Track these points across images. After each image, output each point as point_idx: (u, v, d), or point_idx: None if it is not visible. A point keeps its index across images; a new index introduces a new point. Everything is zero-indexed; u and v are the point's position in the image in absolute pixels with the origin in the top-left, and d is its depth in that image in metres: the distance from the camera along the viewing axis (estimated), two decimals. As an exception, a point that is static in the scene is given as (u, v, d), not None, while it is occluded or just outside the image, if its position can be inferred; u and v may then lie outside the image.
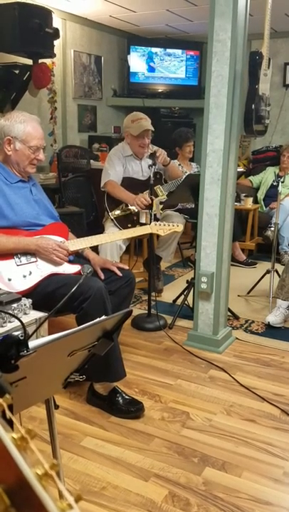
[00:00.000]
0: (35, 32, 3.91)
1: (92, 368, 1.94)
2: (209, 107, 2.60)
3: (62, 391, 2.16)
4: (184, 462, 1.87)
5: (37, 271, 2.16)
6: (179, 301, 3.33)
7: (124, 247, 3.31)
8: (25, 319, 1.57)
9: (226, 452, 1.92)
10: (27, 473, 0.41)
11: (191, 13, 4.84)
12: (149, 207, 3.12)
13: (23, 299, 1.67)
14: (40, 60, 4.24)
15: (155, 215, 3.18)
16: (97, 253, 2.89)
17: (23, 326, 0.78)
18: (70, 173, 4.81)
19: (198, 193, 2.74)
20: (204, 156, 2.67)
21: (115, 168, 3.39)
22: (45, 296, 2.07)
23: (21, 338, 0.69)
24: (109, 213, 3.30)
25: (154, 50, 5.88)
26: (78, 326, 2.11)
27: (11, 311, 1.53)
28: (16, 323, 1.45)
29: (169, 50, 5.92)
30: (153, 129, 3.38)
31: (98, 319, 0.95)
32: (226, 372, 2.55)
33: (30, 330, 1.30)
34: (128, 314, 1.08)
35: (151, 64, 5.90)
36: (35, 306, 2.12)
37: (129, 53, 5.82)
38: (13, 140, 2.20)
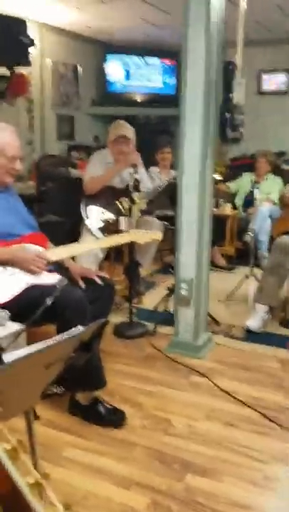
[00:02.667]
0: (11, 41, 3.92)
1: (73, 377, 1.94)
2: (185, 115, 2.63)
3: (41, 402, 2.14)
4: (165, 469, 1.87)
5: (15, 282, 2.14)
6: (160, 308, 3.35)
7: (101, 256, 3.32)
8: (2, 331, 1.57)
9: (207, 458, 1.94)
10: (19, 483, 0.42)
11: (166, 22, 4.90)
12: (129, 215, 3.13)
13: (-1, 310, 1.66)
14: (16, 70, 4.25)
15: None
16: (74, 261, 2.89)
17: (-5, 339, 0.77)
18: (50, 182, 4.81)
19: (176, 200, 2.77)
20: (181, 163, 2.70)
21: (96, 169, 3.44)
22: (24, 307, 2.04)
23: (-6, 352, 0.69)
24: (86, 221, 3.31)
25: (130, 58, 5.92)
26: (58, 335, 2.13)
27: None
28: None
29: (145, 59, 5.97)
30: (130, 137, 3.41)
31: (73, 330, 0.96)
32: (206, 377, 2.56)
33: (7, 342, 1.30)
34: (104, 325, 1.08)
35: (128, 70, 5.95)
36: (14, 317, 2.12)
37: (105, 62, 5.85)
38: None
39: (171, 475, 1.84)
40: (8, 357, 0.79)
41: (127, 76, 5.98)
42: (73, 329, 0.96)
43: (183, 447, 2.00)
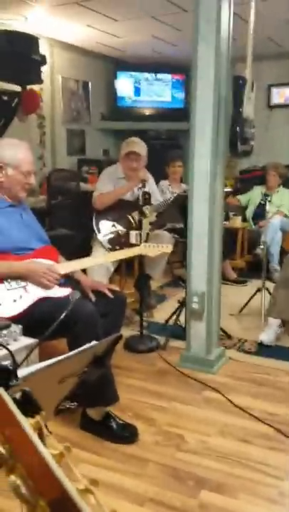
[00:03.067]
0: (23, 59, 3.98)
1: (85, 392, 1.93)
2: (194, 130, 2.65)
3: (54, 418, 2.13)
4: (179, 485, 1.84)
5: (27, 295, 2.16)
6: (172, 322, 3.33)
7: (112, 269, 3.33)
8: (15, 346, 1.57)
9: (221, 474, 1.90)
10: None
11: (176, 38, 4.96)
12: (139, 228, 3.14)
13: (12, 325, 1.67)
14: (28, 87, 4.32)
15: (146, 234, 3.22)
16: (86, 274, 2.90)
17: (12, 355, 0.78)
18: (60, 196, 4.85)
19: (186, 212, 2.77)
20: (191, 177, 2.71)
21: (106, 185, 3.46)
22: (36, 320, 2.06)
23: (10, 367, 0.69)
24: (98, 235, 3.33)
25: (141, 74, 5.99)
26: (69, 350, 2.12)
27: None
28: (5, 350, 1.44)
29: (155, 75, 6.04)
30: (141, 153, 3.43)
31: (88, 345, 0.95)
32: (219, 393, 2.53)
33: (20, 356, 1.30)
34: (118, 339, 1.08)
35: (138, 86, 6.01)
36: (26, 331, 2.12)
37: (116, 78, 5.93)
38: (4, 166, 2.23)
39: (185, 491, 1.81)
40: (22, 372, 0.79)
41: (137, 91, 6.05)
42: (87, 344, 0.96)
43: (196, 463, 1.97)
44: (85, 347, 0.94)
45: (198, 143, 2.65)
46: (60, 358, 0.85)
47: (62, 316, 1.04)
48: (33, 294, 2.18)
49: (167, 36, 4.90)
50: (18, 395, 0.57)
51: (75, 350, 0.92)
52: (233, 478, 1.88)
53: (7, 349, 0.80)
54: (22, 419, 0.51)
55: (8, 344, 1.58)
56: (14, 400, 0.52)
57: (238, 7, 2.79)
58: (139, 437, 2.13)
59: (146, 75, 6.01)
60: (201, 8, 2.54)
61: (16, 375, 0.68)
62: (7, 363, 0.75)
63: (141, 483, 1.85)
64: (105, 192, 3.42)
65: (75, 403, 1.11)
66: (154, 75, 6.03)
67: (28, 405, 0.55)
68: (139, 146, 3.45)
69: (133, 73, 5.98)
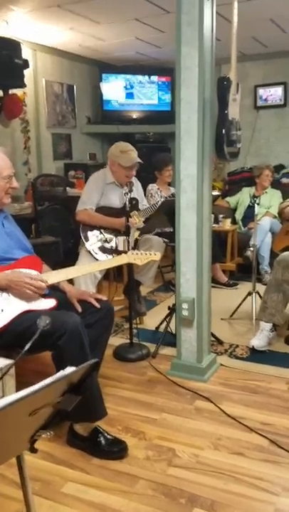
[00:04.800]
0: (4, 63, 3.90)
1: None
2: (180, 134, 2.59)
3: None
4: (171, 504, 1.77)
5: (9, 308, 2.07)
6: (162, 328, 3.26)
7: (99, 276, 3.25)
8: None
9: (215, 490, 1.83)
10: None
11: (160, 40, 4.90)
12: (127, 233, 3.07)
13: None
14: (10, 91, 4.23)
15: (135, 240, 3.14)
16: (72, 283, 2.81)
17: None
18: (47, 201, 4.76)
19: (175, 217, 2.71)
20: (178, 181, 2.65)
21: (92, 196, 3.35)
22: (19, 334, 1.98)
23: None
24: (86, 243, 3.25)
25: (126, 76, 5.93)
26: (54, 363, 2.04)
27: None
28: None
29: (141, 77, 5.98)
30: (142, 162, 3.39)
31: (61, 373, 0.88)
32: (212, 402, 2.46)
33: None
34: (95, 365, 1.01)
35: (132, 90, 5.95)
36: (8, 346, 2.04)
37: (101, 81, 5.86)
38: None
39: (177, 510, 1.74)
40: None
41: (122, 94, 5.98)
42: (60, 372, 0.88)
43: (189, 479, 1.90)
44: (57, 376, 0.87)
45: (183, 146, 2.59)
46: (26, 392, 0.78)
47: (29, 344, 0.96)
48: (17, 307, 2.10)
49: (151, 38, 4.84)
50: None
51: (46, 381, 0.84)
52: (226, 494, 1.81)
53: None
54: None
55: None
56: None
57: (221, 7, 2.74)
58: (128, 452, 2.05)
59: (131, 77, 5.95)
60: (182, 9, 2.48)
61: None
62: None
63: (130, 502, 1.78)
64: (89, 210, 3.31)
65: (51, 432, 1.04)
66: (138, 76, 5.96)
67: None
68: (136, 154, 3.36)
69: (117, 74, 5.91)
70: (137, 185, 3.56)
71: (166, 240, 3.90)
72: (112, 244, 3.27)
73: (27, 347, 0.96)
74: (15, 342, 1.99)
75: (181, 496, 1.81)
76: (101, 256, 3.24)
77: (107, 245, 3.28)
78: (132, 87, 5.97)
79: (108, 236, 3.30)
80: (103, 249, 3.28)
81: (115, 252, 3.19)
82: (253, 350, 3.07)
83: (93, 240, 3.29)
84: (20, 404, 0.72)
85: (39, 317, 1.22)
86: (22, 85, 4.20)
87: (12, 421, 0.76)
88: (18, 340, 1.98)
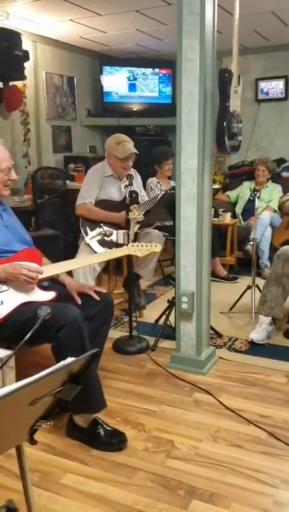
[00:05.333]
0: (5, 55, 3.88)
1: (71, 398, 1.86)
2: (181, 126, 2.57)
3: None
4: (169, 496, 1.78)
5: (8, 300, 2.07)
6: (162, 321, 3.26)
7: (98, 269, 3.25)
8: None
9: (214, 482, 1.84)
10: None
11: (161, 32, 4.87)
12: (127, 227, 3.06)
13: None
14: (10, 83, 4.20)
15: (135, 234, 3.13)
16: (72, 276, 2.81)
17: None
18: (46, 194, 4.75)
19: (175, 210, 2.70)
20: (178, 174, 2.64)
21: (91, 190, 3.34)
22: (19, 326, 1.98)
23: None
24: (85, 237, 3.24)
25: (126, 68, 5.90)
26: (54, 356, 2.04)
27: None
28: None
29: (141, 69, 5.94)
30: (138, 152, 3.36)
31: (62, 363, 0.88)
32: (210, 394, 2.47)
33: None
34: (95, 355, 1.01)
35: (134, 82, 5.92)
36: (8, 338, 2.05)
37: (101, 73, 5.83)
38: None
39: (175, 502, 1.75)
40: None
41: (125, 86, 5.95)
42: (61, 362, 0.88)
43: (187, 471, 1.91)
44: (58, 366, 0.87)
45: (184, 139, 2.58)
46: (27, 381, 0.78)
47: (29, 334, 0.96)
48: (16, 299, 2.10)
49: (152, 30, 4.81)
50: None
51: (47, 371, 0.84)
52: (225, 486, 1.82)
53: None
54: None
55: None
56: None
57: (223, 0, 2.72)
58: (127, 444, 2.06)
59: (132, 69, 5.91)
60: (184, 1, 2.46)
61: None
62: None
63: (129, 494, 1.79)
64: (89, 204, 3.30)
65: (51, 422, 1.04)
66: (139, 68, 5.93)
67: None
68: (132, 145, 3.34)
69: (118, 66, 5.87)
70: (136, 178, 3.55)
71: (166, 234, 3.90)
72: (113, 238, 3.26)
73: (27, 336, 0.96)
74: (15, 334, 1.99)
75: (180, 487, 1.82)
76: (100, 250, 3.24)
77: (107, 239, 3.27)
78: (135, 78, 5.93)
79: (108, 230, 3.29)
80: (103, 243, 3.28)
81: (115, 245, 3.18)
82: (252, 343, 3.08)
83: (93, 233, 3.28)
84: (20, 393, 0.72)
85: (39, 307, 1.21)
86: (22, 77, 4.18)
87: (12, 410, 0.76)
88: (18, 331, 1.98)
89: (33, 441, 1.28)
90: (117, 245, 3.08)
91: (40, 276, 2.15)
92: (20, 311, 2.06)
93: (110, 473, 1.90)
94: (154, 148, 4.85)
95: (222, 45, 2.83)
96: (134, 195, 3.31)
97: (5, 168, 2.20)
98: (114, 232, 3.29)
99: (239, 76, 2.65)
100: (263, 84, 5.78)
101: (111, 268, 3.64)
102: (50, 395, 0.86)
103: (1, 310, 2.04)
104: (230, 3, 2.64)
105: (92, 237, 3.27)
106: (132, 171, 3.44)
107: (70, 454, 2.02)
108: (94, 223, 3.31)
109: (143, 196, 3.61)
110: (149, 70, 5.97)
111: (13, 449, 1.99)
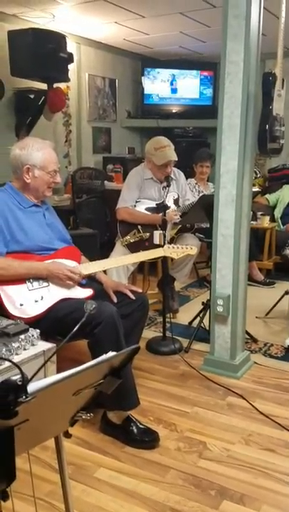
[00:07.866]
0: (50, 57, 3.97)
1: (106, 395, 1.90)
2: (222, 128, 2.58)
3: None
4: (200, 495, 1.79)
5: (48, 296, 2.13)
6: (195, 323, 3.27)
7: (132, 268, 3.28)
8: (32, 351, 1.54)
9: (245, 484, 1.84)
10: None
11: (204, 35, 4.87)
12: (164, 227, 3.08)
13: (30, 329, 1.63)
14: (55, 85, 4.30)
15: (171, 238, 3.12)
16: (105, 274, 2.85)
17: (21, 370, 0.74)
18: (85, 194, 4.83)
19: (212, 212, 2.70)
20: (218, 176, 2.64)
21: (132, 193, 3.37)
22: (56, 321, 2.04)
23: (19, 383, 0.65)
24: (121, 239, 3.28)
25: (168, 70, 5.92)
26: (91, 352, 2.09)
27: (12, 350, 1.49)
28: (19, 359, 1.41)
29: (183, 71, 5.96)
30: (176, 159, 3.31)
31: (104, 356, 0.91)
32: (244, 399, 2.46)
33: (37, 361, 1.27)
34: (136, 351, 1.03)
35: (166, 82, 5.94)
36: (47, 332, 2.10)
37: (143, 75, 5.88)
38: (31, 168, 2.22)
39: (206, 501, 1.76)
40: (34, 386, 0.75)
41: (164, 88, 5.98)
42: (103, 355, 0.91)
43: (219, 472, 1.92)
44: (101, 358, 0.90)
45: (225, 141, 2.58)
46: (73, 371, 0.81)
47: (76, 328, 1.00)
48: (55, 294, 2.16)
49: (196, 32, 4.82)
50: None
51: (90, 363, 0.88)
52: (256, 488, 1.81)
53: (15, 365, 0.76)
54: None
55: (25, 349, 1.55)
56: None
57: (269, 2, 2.70)
58: (160, 443, 2.09)
59: (174, 71, 5.93)
60: (229, 4, 2.46)
61: (26, 391, 0.64)
62: (17, 377, 0.71)
63: (161, 491, 1.81)
64: (130, 207, 3.32)
65: (91, 414, 1.07)
66: (181, 70, 5.94)
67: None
68: (172, 151, 3.29)
69: (160, 68, 5.90)
70: (179, 178, 3.55)
71: (201, 236, 3.89)
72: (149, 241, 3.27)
73: (75, 329, 0.99)
74: (53, 328, 2.05)
75: (211, 487, 1.83)
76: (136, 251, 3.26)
77: (143, 242, 3.28)
78: (176, 80, 5.96)
79: (145, 234, 3.30)
80: (138, 245, 3.30)
81: (151, 246, 3.20)
82: (287, 349, 3.04)
83: (129, 236, 3.31)
84: (67, 382, 0.76)
85: (85, 302, 1.25)
86: (66, 79, 4.26)
87: (59, 398, 0.80)
88: (56, 326, 2.04)
89: (67, 435, 1.32)
90: (153, 246, 3.10)
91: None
92: (59, 307, 2.12)
93: (142, 469, 1.93)
94: (193, 149, 4.85)
95: (266, 47, 2.81)
96: (175, 198, 3.32)
97: (51, 171, 2.27)
98: (151, 235, 3.30)
99: (283, 79, 2.62)
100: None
101: (146, 268, 3.67)
102: (92, 386, 0.89)
103: (41, 305, 2.10)
104: (276, 5, 2.62)
105: (128, 238, 3.30)
106: (176, 171, 3.44)
107: (103, 449, 2.06)
108: (131, 225, 3.33)
109: (186, 197, 3.59)
110: (190, 72, 5.98)
111: (48, 442, 2.05)
